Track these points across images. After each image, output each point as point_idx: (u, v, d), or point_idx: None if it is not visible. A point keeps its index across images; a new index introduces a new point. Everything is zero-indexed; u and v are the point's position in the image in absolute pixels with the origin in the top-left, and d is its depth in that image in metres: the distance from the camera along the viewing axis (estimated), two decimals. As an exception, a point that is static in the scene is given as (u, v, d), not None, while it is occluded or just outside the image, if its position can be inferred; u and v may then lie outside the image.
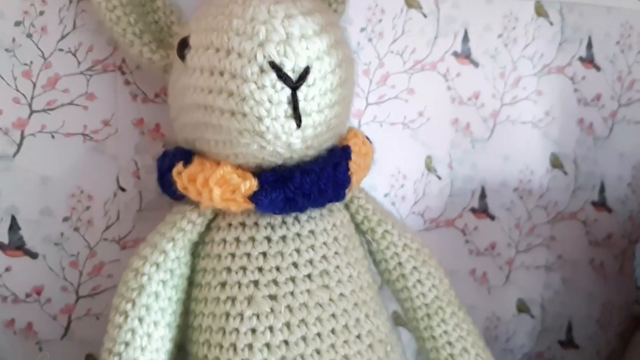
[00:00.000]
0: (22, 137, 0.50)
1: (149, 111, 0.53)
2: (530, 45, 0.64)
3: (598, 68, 0.67)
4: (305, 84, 0.36)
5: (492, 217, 0.66)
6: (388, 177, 0.61)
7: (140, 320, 0.41)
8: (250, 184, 0.39)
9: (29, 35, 0.49)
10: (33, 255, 0.52)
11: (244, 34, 0.36)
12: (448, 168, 0.63)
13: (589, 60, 0.67)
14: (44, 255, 0.52)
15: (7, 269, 0.51)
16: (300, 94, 0.36)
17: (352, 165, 0.42)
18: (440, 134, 0.62)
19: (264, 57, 0.35)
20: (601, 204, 0.70)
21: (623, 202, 0.71)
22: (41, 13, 0.49)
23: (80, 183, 0.52)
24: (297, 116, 0.36)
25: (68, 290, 0.53)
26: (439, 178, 0.63)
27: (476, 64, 0.62)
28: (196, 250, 0.44)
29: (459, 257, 0.65)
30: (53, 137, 0.51)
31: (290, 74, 0.36)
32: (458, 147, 0.63)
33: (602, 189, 0.70)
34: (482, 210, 0.65)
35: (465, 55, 0.62)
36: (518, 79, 0.64)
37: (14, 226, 0.51)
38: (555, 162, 0.67)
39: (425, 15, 0.60)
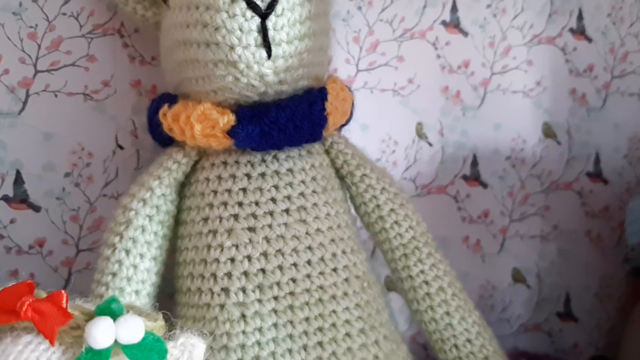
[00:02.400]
0: (27, 96, 0.54)
1: (146, 73, 0.56)
2: (520, 16, 0.66)
3: (589, 39, 0.68)
4: (274, 13, 0.39)
5: (485, 185, 0.67)
6: (379, 143, 0.63)
7: (127, 252, 0.44)
8: (228, 119, 0.42)
9: (34, 0, 0.53)
10: (36, 209, 0.55)
11: (218, -31, 0.39)
12: (439, 135, 0.64)
13: (579, 31, 0.68)
14: (46, 209, 0.55)
15: (12, 221, 0.54)
16: (269, 22, 0.39)
17: (329, 106, 0.44)
18: (430, 101, 0.64)
19: (234, -13, 0.38)
20: (596, 175, 0.71)
21: (619, 174, 0.71)
22: (45, -21, 0.53)
23: (81, 140, 0.55)
24: (267, 45, 0.39)
25: (69, 244, 0.56)
26: (430, 145, 0.64)
27: (465, 33, 0.64)
28: (182, 191, 0.47)
29: (451, 224, 0.66)
30: (56, 96, 0.54)
31: (259, 2, 0.38)
32: (449, 114, 0.64)
33: (597, 160, 0.70)
34: (474, 178, 0.66)
35: (454, 24, 0.64)
36: (508, 49, 0.66)
37: (18, 180, 0.54)
38: (548, 132, 0.68)
39: (413, -16, 0.62)
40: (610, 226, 0.72)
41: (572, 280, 0.71)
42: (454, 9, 0.63)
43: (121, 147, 0.56)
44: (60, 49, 0.54)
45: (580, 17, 0.68)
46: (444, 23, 0.63)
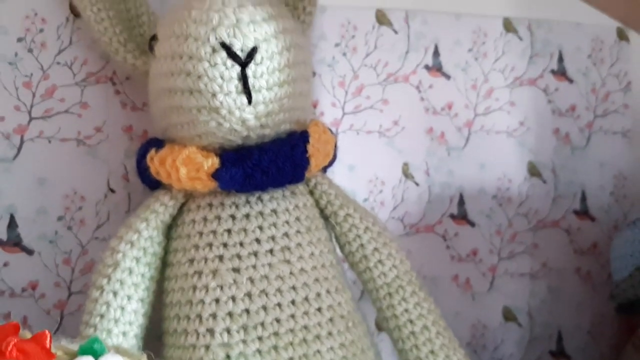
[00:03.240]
0: (22, 142, 0.55)
1: (138, 119, 0.58)
2: (501, 59, 0.68)
3: (571, 80, 0.70)
4: (253, 62, 0.41)
5: (472, 224, 0.68)
6: (366, 183, 0.64)
7: (115, 294, 0.45)
8: (212, 162, 0.43)
9: (30, 50, 0.55)
10: (29, 252, 0.56)
11: (200, 21, 0.41)
12: (425, 175, 0.66)
13: (560, 72, 0.70)
14: (39, 252, 0.56)
15: (5, 264, 0.55)
16: (249, 71, 0.41)
17: (311, 148, 0.46)
18: (415, 142, 0.65)
19: (216, 38, 0.40)
20: (583, 213, 0.72)
21: (606, 211, 0.72)
22: (41, 30, 0.55)
23: (74, 185, 0.56)
24: (247, 92, 0.41)
25: (61, 286, 0.57)
26: (417, 184, 0.66)
27: (448, 77, 0.66)
28: (170, 233, 0.48)
29: (440, 263, 0.67)
30: (50, 142, 0.56)
31: (239, 52, 0.40)
32: (434, 154, 0.66)
33: (583, 198, 0.72)
34: (461, 217, 0.67)
35: (436, 68, 0.66)
36: (490, 91, 0.68)
37: (12, 224, 0.55)
38: (533, 171, 0.69)
39: (396, 32, 0.64)
40: (599, 263, 0.72)
41: (563, 318, 0.71)
42: (436, 53, 0.66)
43: (113, 191, 0.57)
44: (54, 96, 0.56)
45: (560, 58, 0.70)
46: (426, 67, 0.65)
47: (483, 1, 0.67)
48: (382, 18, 0.64)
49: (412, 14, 0.65)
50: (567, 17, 0.70)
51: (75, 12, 0.56)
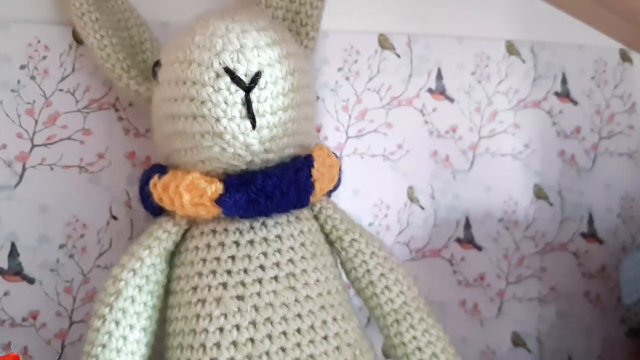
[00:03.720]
0: (24, 169, 0.55)
1: (140, 145, 0.57)
2: (504, 82, 0.68)
3: (575, 102, 0.70)
4: (257, 87, 0.40)
5: (479, 248, 0.67)
6: (371, 207, 0.64)
7: (117, 323, 0.44)
8: (216, 187, 0.43)
9: (33, 77, 0.55)
10: (30, 281, 0.55)
11: (204, 46, 0.41)
12: (430, 198, 0.65)
13: (564, 94, 0.70)
14: (40, 280, 0.55)
15: (6, 294, 0.55)
16: (253, 95, 0.40)
17: (315, 172, 0.45)
18: (420, 165, 0.65)
19: (220, 63, 0.40)
20: (591, 235, 0.71)
21: (614, 234, 0.71)
22: (44, 57, 0.55)
23: (76, 212, 0.56)
24: (251, 117, 0.40)
25: (62, 316, 0.56)
26: (422, 208, 0.65)
27: (451, 100, 0.66)
28: (173, 260, 0.47)
29: (447, 287, 0.66)
30: (52, 169, 0.56)
31: (242, 77, 0.40)
32: (439, 178, 0.65)
33: (590, 220, 0.71)
34: (468, 241, 0.67)
35: (440, 91, 0.65)
36: (494, 113, 0.67)
37: (13, 252, 0.55)
38: (540, 193, 0.69)
39: (398, 56, 0.64)
40: (608, 287, 0.71)
41: (573, 343, 0.70)
42: (439, 76, 0.65)
43: (115, 218, 0.57)
44: (57, 123, 0.55)
45: (564, 80, 0.70)
46: (430, 90, 0.65)
47: (485, 24, 0.67)
48: (384, 42, 0.64)
49: (414, 38, 0.65)
50: (569, 39, 0.70)
51: (78, 40, 0.56)
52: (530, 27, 0.69)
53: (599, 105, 0.71)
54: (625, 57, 0.72)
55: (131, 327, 0.44)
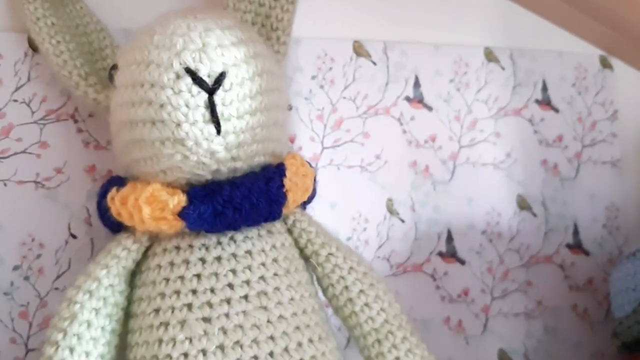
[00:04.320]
0: (-25, 186, 0.51)
1: (101, 158, 0.54)
2: (484, 89, 0.65)
3: (556, 110, 0.68)
4: (222, 88, 0.37)
5: (462, 262, 0.64)
6: (349, 221, 0.61)
7: (71, 350, 0.40)
8: (179, 199, 0.39)
9: (-17, 103, 0.51)
10: (-19, 307, 0.51)
11: (163, 46, 0.38)
12: (411, 211, 0.62)
13: (545, 102, 0.68)
14: (-8, 305, 0.51)
15: (-46, 321, 0.50)
16: (217, 98, 0.37)
17: (288, 182, 0.42)
18: (399, 176, 0.62)
19: (180, 64, 0.37)
20: (577, 247, 0.68)
21: (600, 244, 0.69)
22: (-4, 66, 0.51)
23: (32, 231, 0.52)
24: (216, 121, 0.37)
25: (17, 343, 0.52)
26: (402, 221, 0.62)
27: (430, 108, 0.63)
28: (133, 281, 0.44)
29: (430, 304, 0.63)
30: (5, 185, 0.52)
31: (205, 78, 0.37)
32: (419, 189, 0.63)
33: (575, 231, 0.68)
34: (450, 254, 0.64)
35: (417, 99, 0.63)
36: (474, 122, 0.65)
37: (-37, 275, 0.51)
38: (523, 204, 0.66)
39: (374, 63, 0.62)
40: (596, 300, 0.69)
41: (561, 359, 0.67)
42: (417, 84, 0.63)
43: (74, 237, 0.53)
44: (11, 136, 0.52)
45: (544, 88, 0.68)
46: (407, 98, 0.63)
47: (463, 31, 0.66)
48: (359, 49, 0.61)
49: (390, 45, 0.62)
50: (549, 45, 0.68)
51: (33, 47, 0.52)
52: (509, 34, 0.67)
53: (580, 113, 0.69)
54: (605, 64, 0.70)
55: (87, 354, 0.40)
